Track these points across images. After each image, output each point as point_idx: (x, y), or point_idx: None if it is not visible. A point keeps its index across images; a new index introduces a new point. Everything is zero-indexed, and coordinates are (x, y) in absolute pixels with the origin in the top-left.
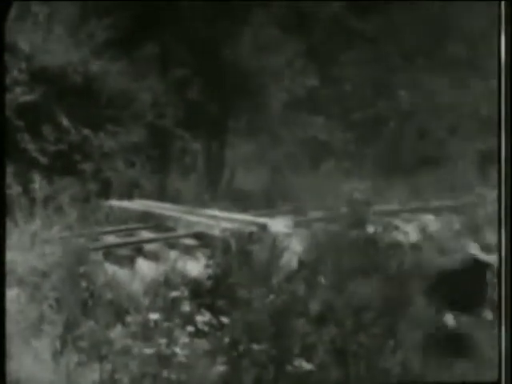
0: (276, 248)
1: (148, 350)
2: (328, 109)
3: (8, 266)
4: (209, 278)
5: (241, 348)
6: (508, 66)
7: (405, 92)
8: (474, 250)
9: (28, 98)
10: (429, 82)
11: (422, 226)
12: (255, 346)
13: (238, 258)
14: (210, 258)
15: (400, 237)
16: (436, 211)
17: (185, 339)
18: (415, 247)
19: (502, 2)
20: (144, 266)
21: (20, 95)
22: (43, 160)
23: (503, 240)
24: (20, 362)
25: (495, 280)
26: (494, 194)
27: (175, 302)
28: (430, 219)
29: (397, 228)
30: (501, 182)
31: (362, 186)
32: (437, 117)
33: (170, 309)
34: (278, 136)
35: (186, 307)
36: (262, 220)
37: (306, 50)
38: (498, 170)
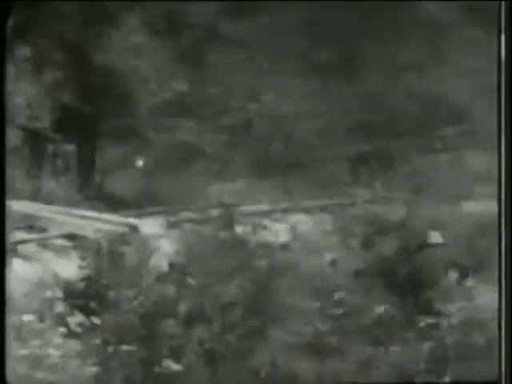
0: (146, 249)
1: (22, 352)
2: (197, 112)
3: None
4: (81, 279)
5: (110, 349)
6: (508, 66)
7: (273, 96)
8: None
9: None
10: (298, 86)
11: (292, 226)
12: (124, 347)
13: (109, 260)
14: (82, 259)
15: (270, 237)
16: (307, 211)
17: (58, 340)
18: (285, 247)
19: (502, 2)
20: (18, 266)
21: None
22: None
23: (503, 240)
24: None
25: None
26: (365, 194)
27: (48, 303)
28: (300, 219)
29: (266, 228)
30: (501, 182)
31: (232, 188)
32: (306, 120)
33: (44, 310)
34: (148, 139)
35: (59, 308)
36: (133, 221)
37: (175, 53)
38: (498, 169)
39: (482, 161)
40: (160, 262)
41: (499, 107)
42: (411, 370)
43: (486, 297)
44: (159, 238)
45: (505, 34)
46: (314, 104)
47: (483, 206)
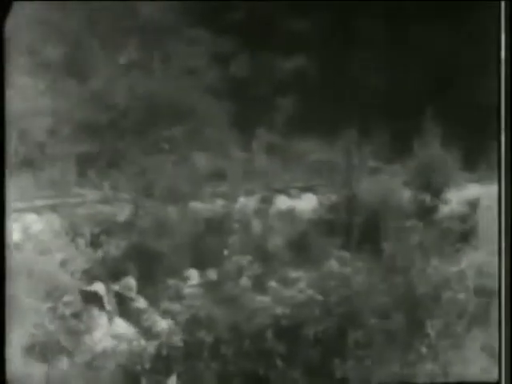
0: None
1: None
2: None
3: None
4: None
5: None
6: (508, 66)
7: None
8: None
9: None
10: (27, 84)
11: (25, 226)
12: None
13: None
14: None
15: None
16: (37, 211)
17: None
18: (18, 247)
19: (502, 2)
20: None
21: None
22: None
23: (503, 241)
24: None
25: None
26: (93, 194)
27: None
28: (32, 219)
29: None
30: (501, 183)
31: None
32: (37, 119)
33: None
34: None
35: None
36: None
37: None
38: (498, 170)
39: (210, 161)
40: None
41: (499, 105)
42: (136, 369)
43: None
44: None
45: (505, 33)
46: (43, 102)
47: (211, 206)
